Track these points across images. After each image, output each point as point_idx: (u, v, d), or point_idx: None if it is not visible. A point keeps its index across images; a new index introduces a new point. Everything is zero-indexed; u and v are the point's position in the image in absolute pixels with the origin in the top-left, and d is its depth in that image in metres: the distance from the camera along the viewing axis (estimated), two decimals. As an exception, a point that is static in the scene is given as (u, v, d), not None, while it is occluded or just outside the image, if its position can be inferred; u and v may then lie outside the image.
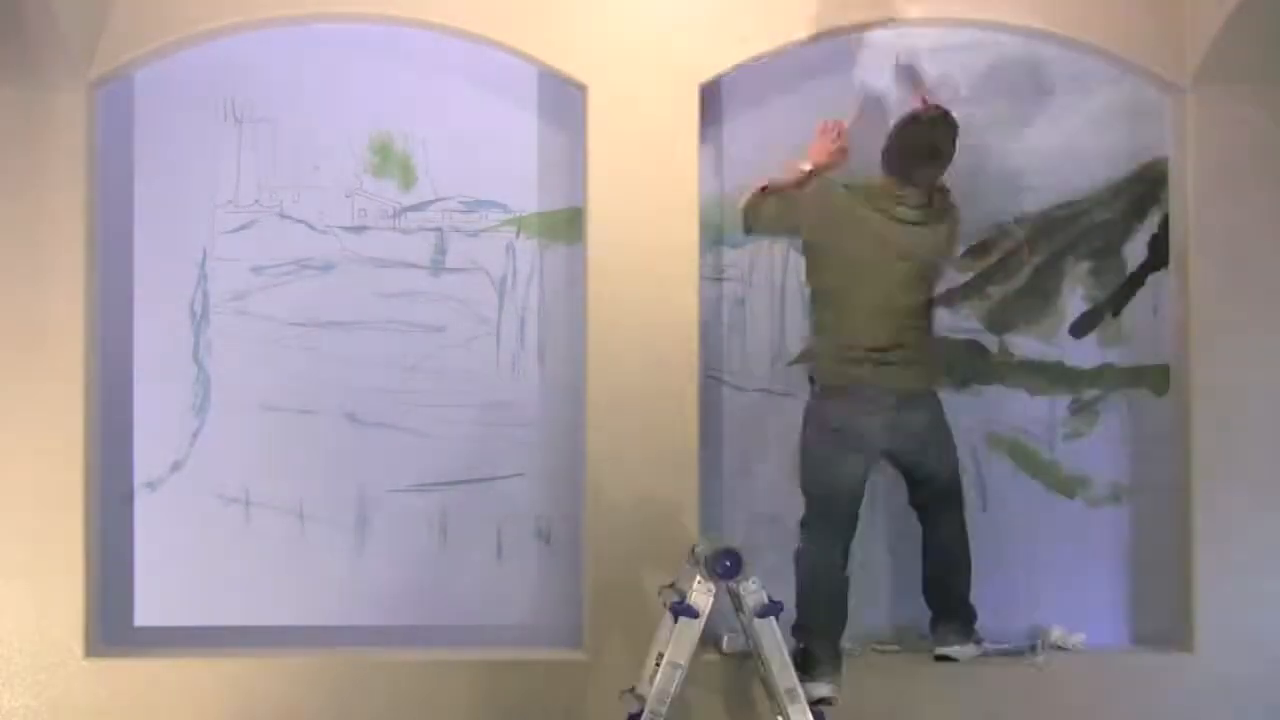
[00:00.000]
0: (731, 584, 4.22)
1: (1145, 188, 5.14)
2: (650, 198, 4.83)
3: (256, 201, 5.03)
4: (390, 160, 5.06)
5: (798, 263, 5.00)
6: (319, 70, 5.03)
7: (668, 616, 4.27)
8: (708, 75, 4.89)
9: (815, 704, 4.31)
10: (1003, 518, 5.10)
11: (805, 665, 4.44)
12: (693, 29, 4.86)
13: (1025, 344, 5.14)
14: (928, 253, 4.66)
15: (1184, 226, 4.98)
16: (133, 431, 4.99)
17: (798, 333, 5.08)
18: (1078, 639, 4.98)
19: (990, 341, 5.14)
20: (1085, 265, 5.15)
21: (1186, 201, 4.97)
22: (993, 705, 4.83)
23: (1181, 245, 5.00)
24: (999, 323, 5.14)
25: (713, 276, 5.04)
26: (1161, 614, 5.03)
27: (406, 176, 5.05)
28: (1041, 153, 5.12)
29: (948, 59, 5.10)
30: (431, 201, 5.06)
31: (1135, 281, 5.16)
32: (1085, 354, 5.15)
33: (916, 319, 4.68)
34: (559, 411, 5.04)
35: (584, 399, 4.87)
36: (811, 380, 4.78)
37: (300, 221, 5.04)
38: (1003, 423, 5.12)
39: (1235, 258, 4.92)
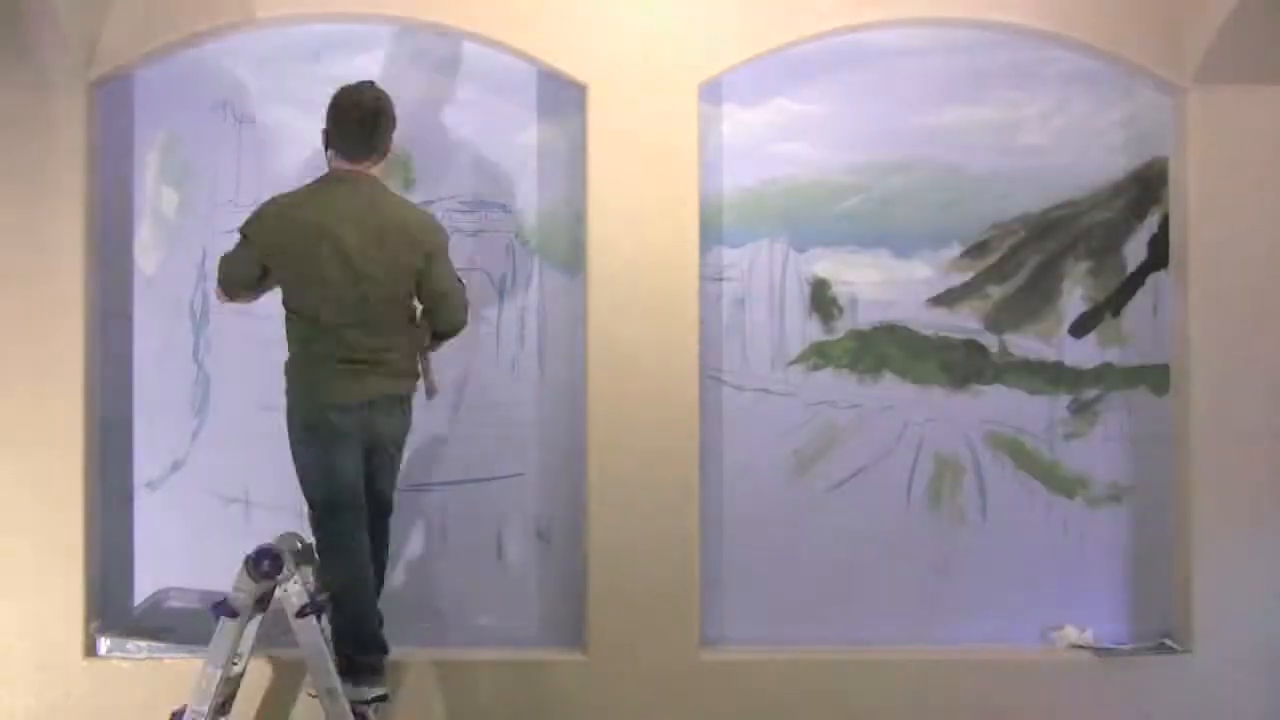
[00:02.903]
0: (273, 584, 4.25)
1: (1145, 188, 5.14)
2: (650, 198, 4.83)
3: (256, 201, 5.01)
4: (390, 160, 5.04)
5: (798, 262, 5.01)
6: (319, 70, 5.02)
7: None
8: (708, 75, 4.89)
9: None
10: (1003, 518, 5.10)
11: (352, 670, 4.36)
12: (693, 29, 4.86)
13: (1025, 344, 5.14)
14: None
15: (1184, 226, 4.99)
16: (133, 431, 4.99)
17: (798, 333, 5.08)
18: (1086, 635, 4.98)
19: (990, 341, 5.14)
20: (1085, 265, 5.15)
21: (1186, 201, 4.97)
22: (992, 705, 4.83)
23: (1181, 245, 5.01)
24: (999, 323, 5.14)
25: (713, 276, 5.04)
26: (1161, 614, 5.02)
27: (406, 176, 5.05)
28: (1041, 153, 5.12)
29: (948, 59, 5.10)
30: (431, 201, 5.05)
31: (1135, 281, 5.15)
32: (1085, 354, 5.15)
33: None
34: (559, 411, 5.04)
35: (584, 399, 4.87)
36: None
37: (300, 221, 5.03)
38: (1003, 423, 5.12)
39: (1235, 258, 4.92)
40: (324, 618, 4.30)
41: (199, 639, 4.91)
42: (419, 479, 5.04)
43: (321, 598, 4.29)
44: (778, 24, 4.88)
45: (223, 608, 4.24)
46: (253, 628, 4.35)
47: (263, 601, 4.33)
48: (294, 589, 4.26)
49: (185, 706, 4.25)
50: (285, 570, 4.25)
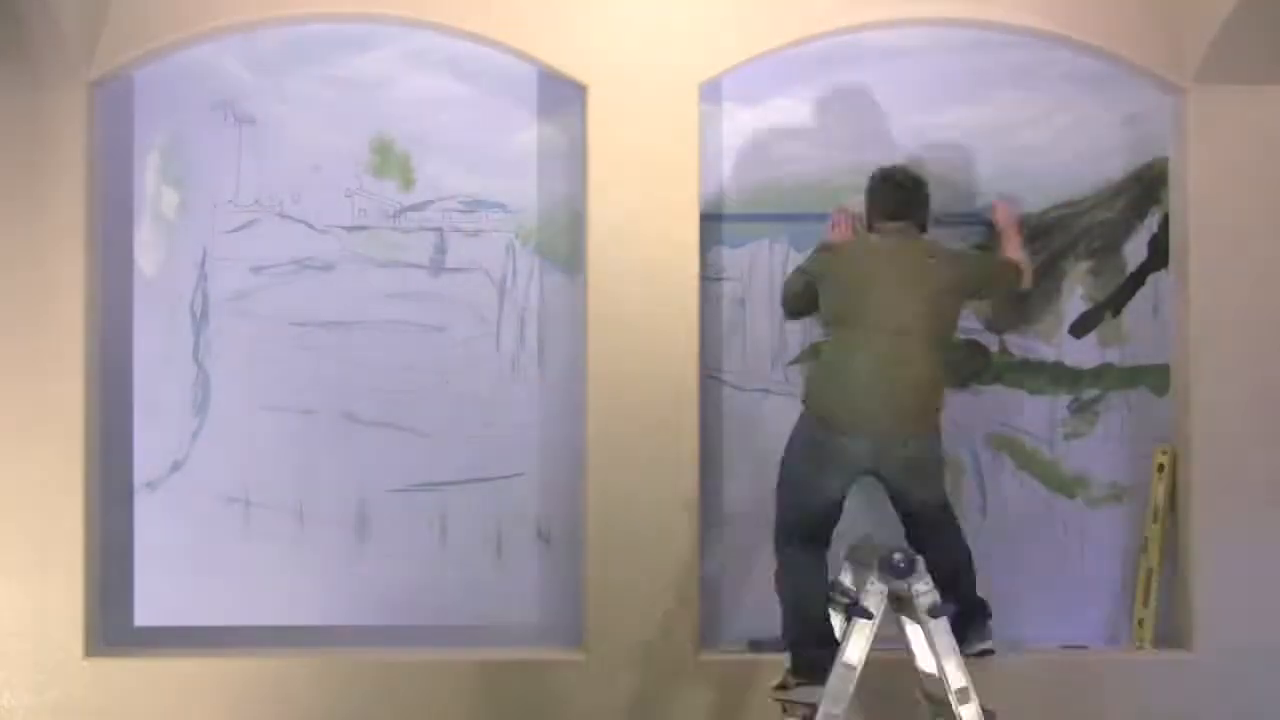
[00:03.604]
0: (903, 584, 4.18)
1: (1145, 188, 5.14)
2: (650, 198, 4.83)
3: (256, 201, 5.03)
4: (390, 160, 5.06)
5: (798, 262, 5.00)
6: (319, 70, 5.03)
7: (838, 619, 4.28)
8: (708, 75, 4.89)
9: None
10: (1003, 518, 5.10)
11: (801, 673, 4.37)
12: (693, 29, 4.86)
13: (1025, 344, 5.14)
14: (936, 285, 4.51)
15: (1184, 226, 4.98)
16: (133, 431, 4.99)
17: (798, 333, 5.08)
18: None
19: (990, 341, 5.14)
20: (1085, 265, 5.15)
21: (1186, 201, 4.97)
22: (992, 704, 4.83)
23: (1181, 245, 5.00)
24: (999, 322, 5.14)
25: (713, 276, 5.04)
26: (1161, 614, 5.02)
27: (406, 176, 5.05)
28: (1041, 152, 5.12)
29: (948, 59, 5.10)
30: (431, 201, 5.06)
31: (1135, 281, 5.15)
32: (1085, 354, 5.15)
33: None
34: (559, 411, 5.04)
35: (584, 399, 4.87)
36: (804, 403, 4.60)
37: (300, 221, 5.04)
38: (1003, 423, 5.11)
39: (1235, 258, 4.92)
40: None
41: (199, 640, 4.94)
42: (419, 479, 5.04)
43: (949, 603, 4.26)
44: (778, 24, 4.88)
45: (858, 609, 4.18)
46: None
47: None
48: (923, 588, 4.19)
49: (816, 706, 4.16)
50: (917, 569, 4.18)
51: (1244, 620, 4.87)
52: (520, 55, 4.90)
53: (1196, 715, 4.85)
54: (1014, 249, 4.81)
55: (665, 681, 4.80)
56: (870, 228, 4.66)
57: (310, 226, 5.04)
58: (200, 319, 5.03)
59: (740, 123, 5.07)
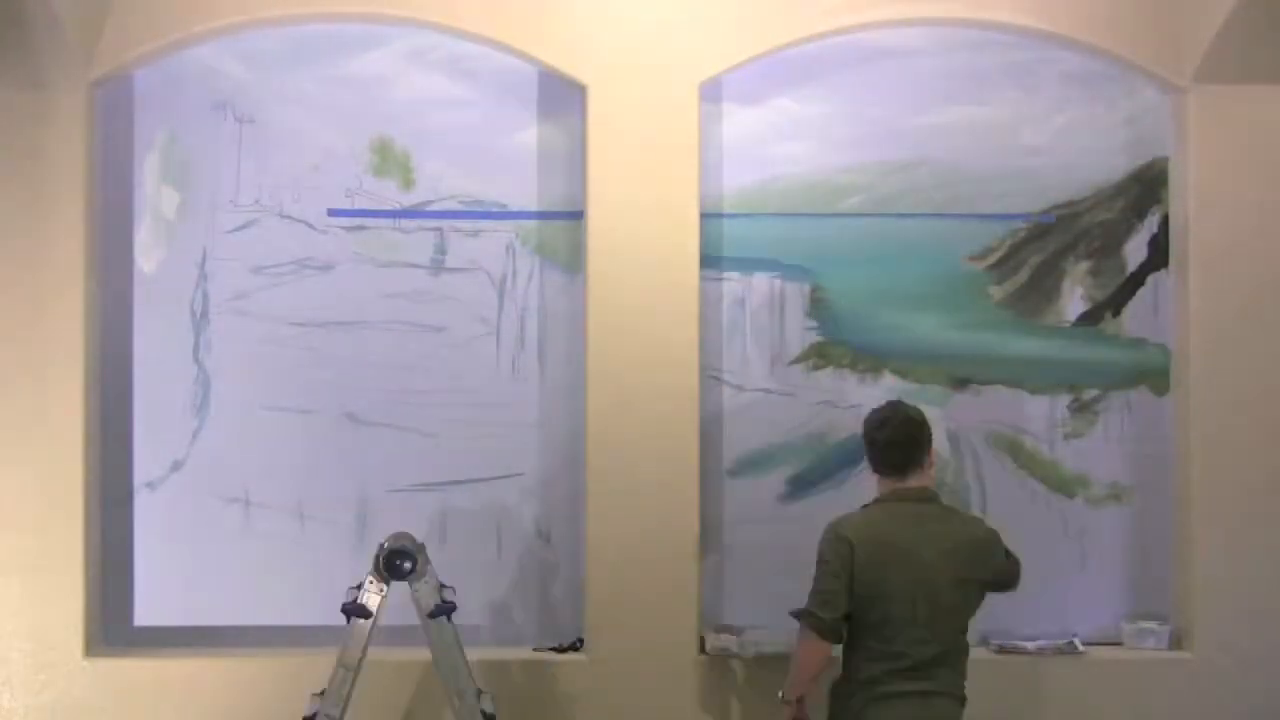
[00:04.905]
0: (408, 584, 4.23)
1: (1145, 188, 5.14)
2: (650, 198, 4.83)
3: (256, 201, 5.03)
4: (390, 160, 5.06)
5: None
6: (319, 70, 5.03)
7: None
8: (708, 75, 4.89)
9: None
10: (1003, 517, 5.09)
11: None
12: (693, 29, 4.86)
13: (1025, 344, 5.14)
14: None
15: (1184, 226, 4.99)
16: (133, 431, 4.99)
17: (798, 333, 5.08)
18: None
19: (991, 341, 5.14)
20: (1085, 265, 5.15)
21: (1186, 201, 4.97)
22: (992, 704, 4.83)
23: (1181, 245, 5.01)
24: (1000, 322, 5.14)
25: (713, 276, 5.04)
26: (1161, 614, 5.02)
27: (406, 176, 5.05)
28: (1042, 152, 5.12)
29: (948, 59, 5.10)
30: (431, 201, 5.06)
31: (1135, 281, 5.15)
32: (1085, 353, 5.14)
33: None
34: (559, 412, 5.04)
35: (584, 399, 4.87)
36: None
37: (300, 221, 5.04)
38: (1003, 422, 5.12)
39: (1235, 257, 4.92)
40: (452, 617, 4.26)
41: (199, 641, 4.94)
42: (419, 479, 5.04)
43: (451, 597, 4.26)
44: (778, 24, 4.88)
45: (354, 607, 4.20)
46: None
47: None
48: (426, 588, 4.22)
49: (316, 710, 4.20)
50: (418, 569, 4.20)
51: (1244, 620, 4.87)
52: (520, 55, 4.90)
53: (1196, 715, 4.86)
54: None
55: (665, 681, 4.80)
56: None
57: (310, 227, 5.04)
58: (200, 319, 5.03)
59: (740, 123, 5.07)
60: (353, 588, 4.31)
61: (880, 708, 4.00)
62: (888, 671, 4.01)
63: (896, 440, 4.10)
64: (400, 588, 4.28)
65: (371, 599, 4.22)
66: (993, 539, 4.16)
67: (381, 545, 4.29)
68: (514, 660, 4.87)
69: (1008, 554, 4.20)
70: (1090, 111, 5.13)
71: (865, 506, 4.18)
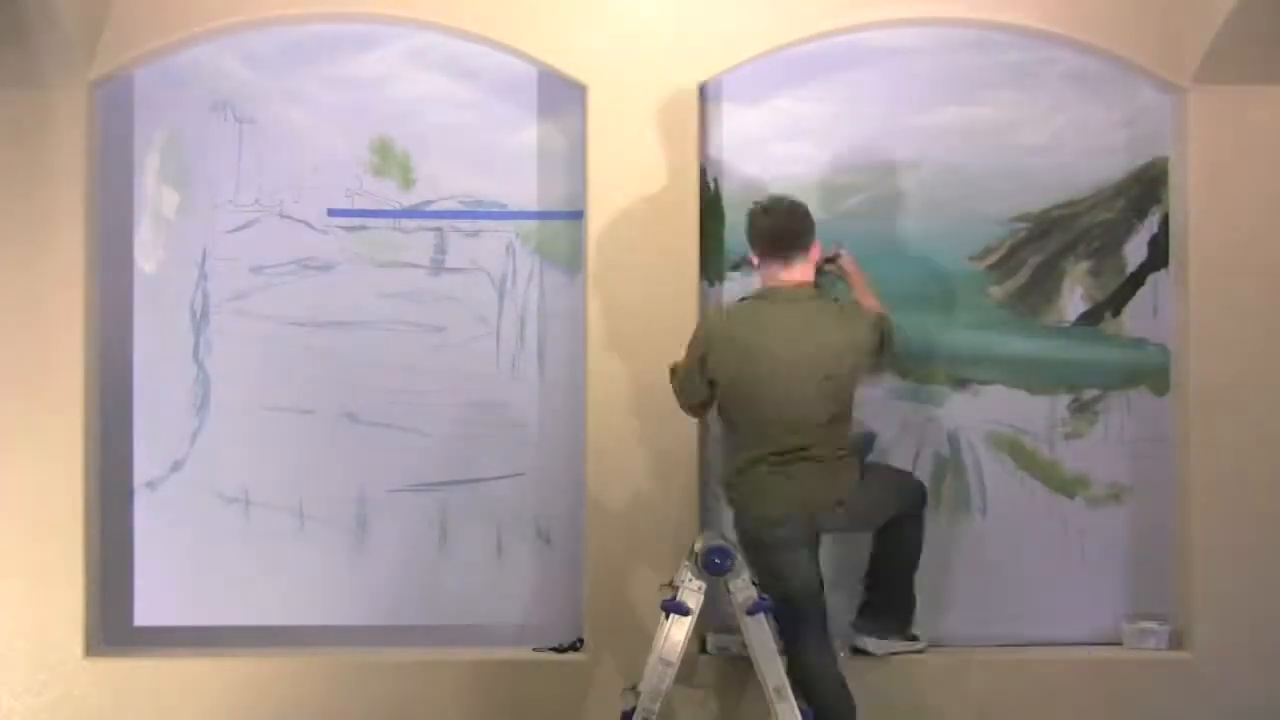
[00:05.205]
0: (723, 581, 4.20)
1: (1145, 188, 5.14)
2: (650, 198, 4.83)
3: (256, 201, 5.03)
4: (390, 160, 5.06)
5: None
6: (319, 70, 5.03)
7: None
8: (708, 75, 4.89)
9: None
10: (1002, 517, 5.10)
11: None
12: (693, 29, 4.86)
13: (1025, 343, 5.14)
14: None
15: (1184, 226, 4.99)
16: (133, 431, 4.99)
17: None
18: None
19: (991, 341, 5.14)
20: (1085, 265, 5.15)
21: (1186, 201, 4.97)
22: (991, 704, 4.83)
23: (1181, 245, 5.01)
24: (1000, 322, 5.14)
25: (713, 277, 5.04)
26: (1161, 614, 5.02)
27: (406, 176, 5.05)
28: (1042, 152, 5.12)
29: (948, 59, 5.10)
30: (431, 201, 5.06)
31: (1135, 281, 5.15)
32: (1085, 353, 5.14)
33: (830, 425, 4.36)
34: (559, 411, 5.04)
35: (584, 399, 4.88)
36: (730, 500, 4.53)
37: (300, 221, 5.04)
38: (1003, 423, 5.11)
39: (1235, 257, 4.92)
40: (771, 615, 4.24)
41: (199, 641, 4.94)
42: (419, 479, 5.04)
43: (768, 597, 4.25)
44: (778, 24, 4.88)
45: (674, 604, 4.20)
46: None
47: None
48: (741, 585, 4.20)
49: (634, 706, 4.19)
50: (735, 566, 4.18)
51: (1244, 620, 4.87)
52: (520, 55, 4.90)
53: (1196, 715, 4.86)
54: (871, 298, 4.63)
55: (665, 681, 4.79)
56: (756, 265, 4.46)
57: (310, 227, 5.04)
58: (200, 319, 5.03)
59: (740, 123, 5.07)
60: (664, 585, 4.37)
61: (753, 491, 4.33)
62: (757, 458, 4.31)
63: (779, 224, 4.35)
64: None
65: (691, 596, 4.22)
66: (860, 331, 4.36)
67: (693, 545, 4.34)
68: (514, 660, 4.88)
69: (882, 333, 4.43)
70: (1090, 111, 5.13)
71: (742, 300, 4.49)
